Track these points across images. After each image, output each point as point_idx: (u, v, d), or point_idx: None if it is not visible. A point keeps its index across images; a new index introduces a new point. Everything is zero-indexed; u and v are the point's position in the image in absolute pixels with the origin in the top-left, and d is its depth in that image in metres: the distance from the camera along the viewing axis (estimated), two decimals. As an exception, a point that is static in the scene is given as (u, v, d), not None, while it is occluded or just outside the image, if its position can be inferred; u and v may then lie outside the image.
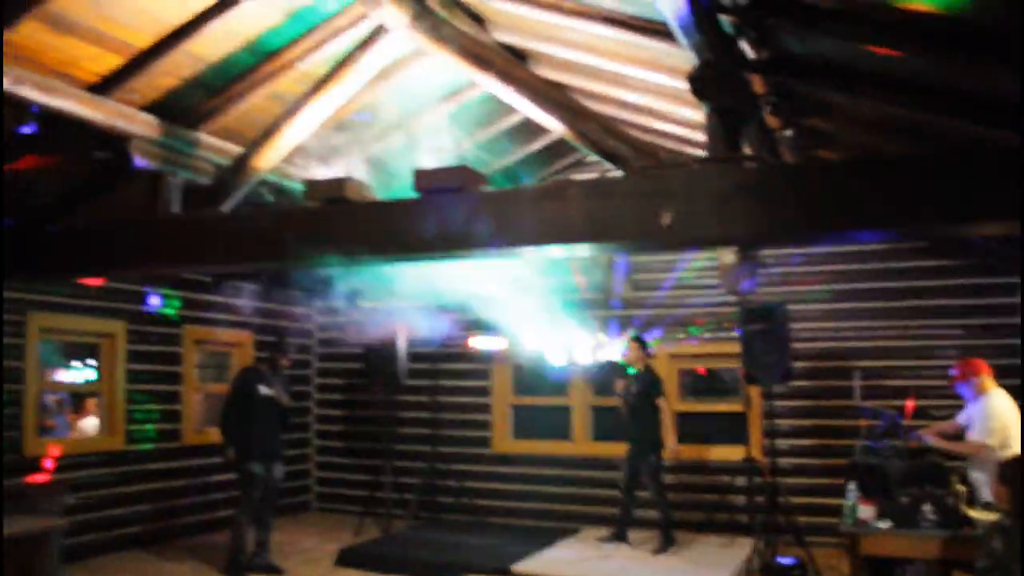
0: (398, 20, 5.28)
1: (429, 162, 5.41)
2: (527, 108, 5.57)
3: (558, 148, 8.47)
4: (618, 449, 8.33)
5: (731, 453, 8.63)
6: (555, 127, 5.39)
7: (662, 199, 4.31)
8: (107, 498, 7.93)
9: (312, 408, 10.71)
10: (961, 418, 6.28)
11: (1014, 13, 2.90)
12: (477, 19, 6.07)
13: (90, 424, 8.82)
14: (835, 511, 6.64)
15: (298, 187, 6.20)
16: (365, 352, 9.47)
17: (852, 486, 5.84)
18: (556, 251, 5.17)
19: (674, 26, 3.94)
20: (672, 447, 8.02)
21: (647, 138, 7.72)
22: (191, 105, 6.03)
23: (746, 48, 4.15)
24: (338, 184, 5.31)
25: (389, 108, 6.55)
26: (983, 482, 5.83)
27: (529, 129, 7.69)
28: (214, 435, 8.02)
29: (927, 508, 5.33)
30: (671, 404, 8.93)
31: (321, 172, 5.81)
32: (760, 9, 3.78)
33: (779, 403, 8.47)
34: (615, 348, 8.57)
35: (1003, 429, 5.84)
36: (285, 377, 7.58)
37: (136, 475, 8.26)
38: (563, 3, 5.29)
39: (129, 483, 8.17)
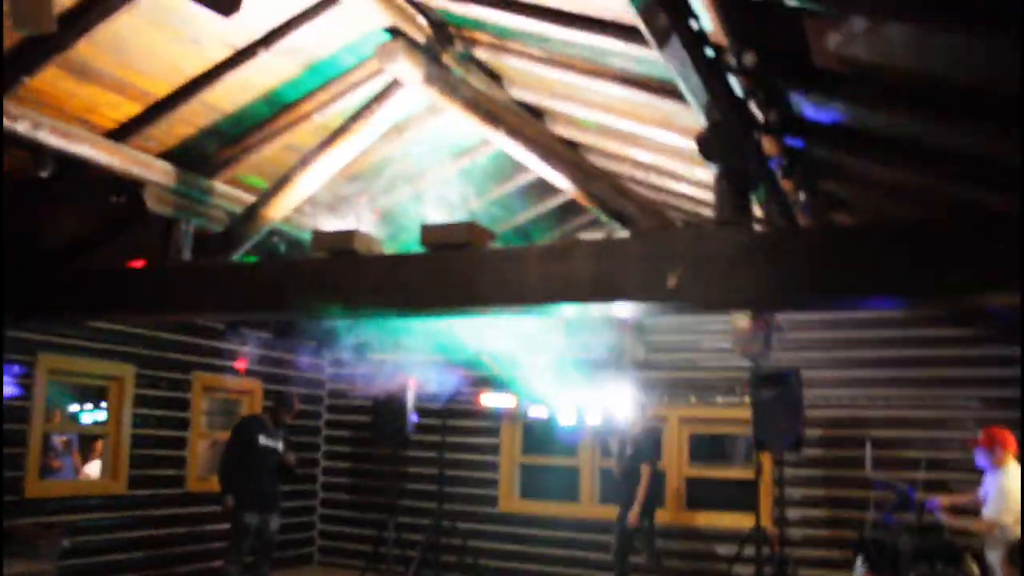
0: (413, 75, 5.34)
1: (440, 217, 5.42)
2: (537, 166, 5.59)
3: (571, 207, 8.48)
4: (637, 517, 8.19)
5: (740, 521, 8.45)
6: (565, 185, 5.40)
7: (668, 261, 4.29)
8: (106, 543, 7.85)
9: (319, 459, 10.63)
10: (980, 492, 6.12)
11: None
12: (494, 76, 6.12)
13: (96, 467, 8.79)
14: (844, 585, 6.47)
15: (308, 237, 6.20)
16: (373, 405, 9.41)
17: (860, 561, 5.70)
18: (561, 310, 5.15)
19: (682, 87, 3.95)
20: (633, 513, 7.93)
21: (660, 198, 7.74)
22: (206, 154, 6.10)
23: (755, 110, 4.14)
24: (346, 236, 5.33)
25: (401, 162, 6.59)
26: (999, 562, 5.66)
27: (542, 188, 7.71)
28: (216, 483, 7.94)
29: (938, 587, 5.18)
30: (680, 470, 8.83)
31: (331, 223, 5.82)
32: (769, 71, 3.78)
33: (790, 471, 8.33)
34: (621, 409, 8.46)
35: (1017, 506, 5.68)
36: (286, 431, 7.52)
37: (137, 520, 8.19)
38: (577, 62, 5.32)
39: (129, 528, 8.10)
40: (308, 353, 10.42)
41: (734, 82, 4.03)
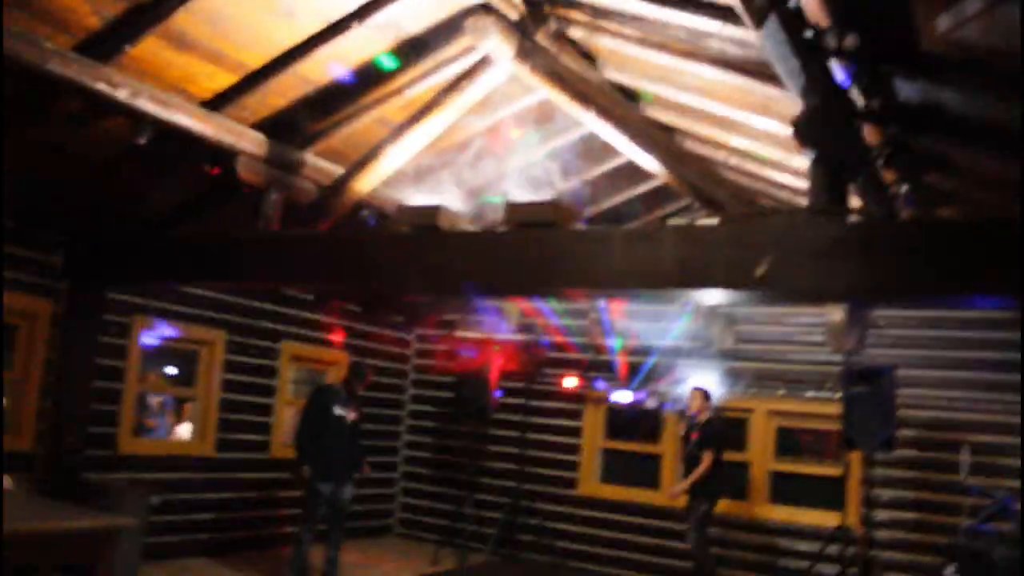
0: (503, 52, 5.28)
1: (525, 197, 5.35)
2: (627, 148, 5.47)
3: (661, 194, 8.29)
4: (682, 496, 8.05)
5: (824, 519, 8.20)
6: (655, 168, 5.28)
7: (757, 248, 4.15)
8: (192, 502, 8.08)
9: (402, 433, 10.74)
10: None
11: None
12: (587, 56, 6.01)
13: (187, 429, 9.05)
14: (932, 593, 6.20)
15: (394, 211, 6.22)
16: (457, 381, 9.45)
17: (951, 570, 5.45)
18: (645, 294, 5.05)
19: (779, 69, 3.78)
20: (677, 490, 7.93)
21: (756, 187, 7.50)
22: (298, 125, 6.15)
23: (856, 95, 3.94)
24: (431, 211, 5.32)
25: (489, 139, 6.54)
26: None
27: (632, 172, 7.55)
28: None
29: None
30: (766, 463, 8.64)
31: (417, 198, 5.82)
32: (872, 55, 3.59)
33: (880, 471, 8.03)
34: (705, 397, 8.28)
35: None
36: (359, 401, 7.59)
37: (222, 483, 8.40)
38: (672, 43, 5.17)
39: (215, 490, 8.32)
40: (394, 328, 10.53)
41: (835, 66, 3.84)
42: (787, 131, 5.39)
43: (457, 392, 9.41)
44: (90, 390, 7.08)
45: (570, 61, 5.80)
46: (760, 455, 8.87)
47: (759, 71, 4.79)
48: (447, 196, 5.88)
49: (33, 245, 6.85)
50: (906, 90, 3.93)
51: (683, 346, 9.04)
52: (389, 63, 5.67)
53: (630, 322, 9.07)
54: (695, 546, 7.82)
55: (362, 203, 6.45)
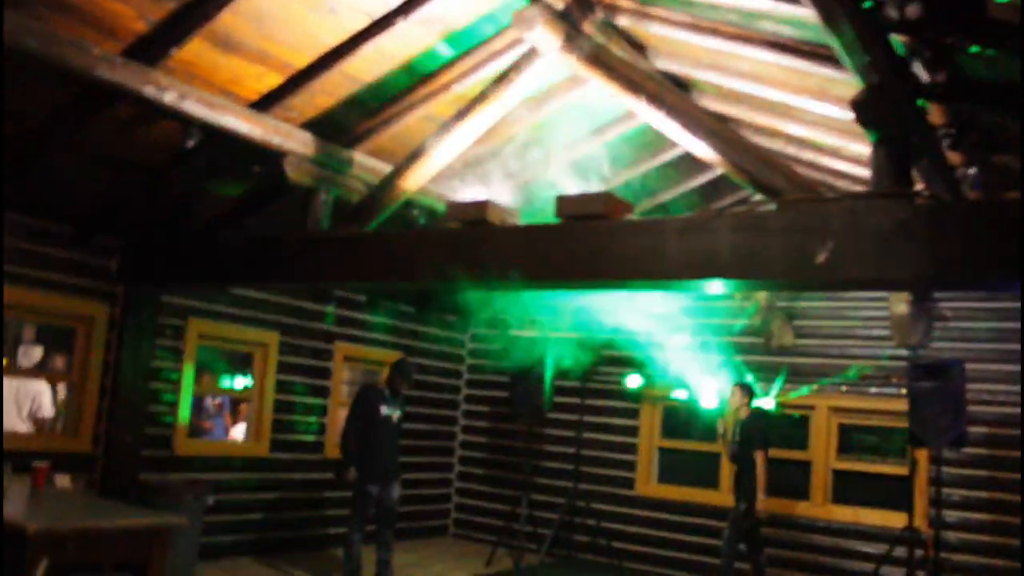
0: (550, 43, 5.17)
1: (577, 190, 5.24)
2: (681, 136, 5.32)
3: (717, 186, 8.12)
4: (769, 504, 7.81)
5: (889, 520, 7.94)
6: (709, 155, 5.12)
7: (817, 235, 3.98)
8: (247, 502, 8.12)
9: (457, 433, 10.69)
10: None
11: None
12: (636, 45, 5.88)
13: (241, 430, 9.11)
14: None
15: (443, 208, 6.16)
16: (511, 381, 9.36)
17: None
18: (699, 286, 4.90)
19: (837, 46, 3.62)
20: (761, 502, 7.58)
21: (814, 175, 7.29)
22: (346, 124, 6.12)
23: (920, 71, 3.76)
24: (480, 207, 5.25)
25: (539, 133, 6.44)
26: None
27: (687, 165, 7.40)
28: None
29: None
30: (828, 462, 8.41)
31: (466, 194, 5.75)
32: (935, 26, 3.40)
33: (949, 470, 7.75)
34: (770, 395, 8.09)
35: None
36: (404, 400, 7.54)
37: (277, 483, 8.43)
38: (723, 27, 5.02)
39: (270, 489, 8.35)
40: (448, 327, 10.49)
41: (896, 41, 3.66)
42: (845, 116, 5.21)
43: (511, 391, 9.32)
44: (146, 392, 7.15)
45: (618, 50, 5.67)
46: (822, 453, 8.62)
47: (815, 52, 4.63)
48: (496, 191, 5.80)
49: (89, 249, 6.94)
50: (974, 64, 3.73)
51: (741, 341, 8.84)
52: (435, 58, 5.61)
53: (686, 317, 8.88)
54: (725, 549, 7.67)
55: (411, 200, 6.39)
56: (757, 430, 7.72)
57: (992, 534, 7.64)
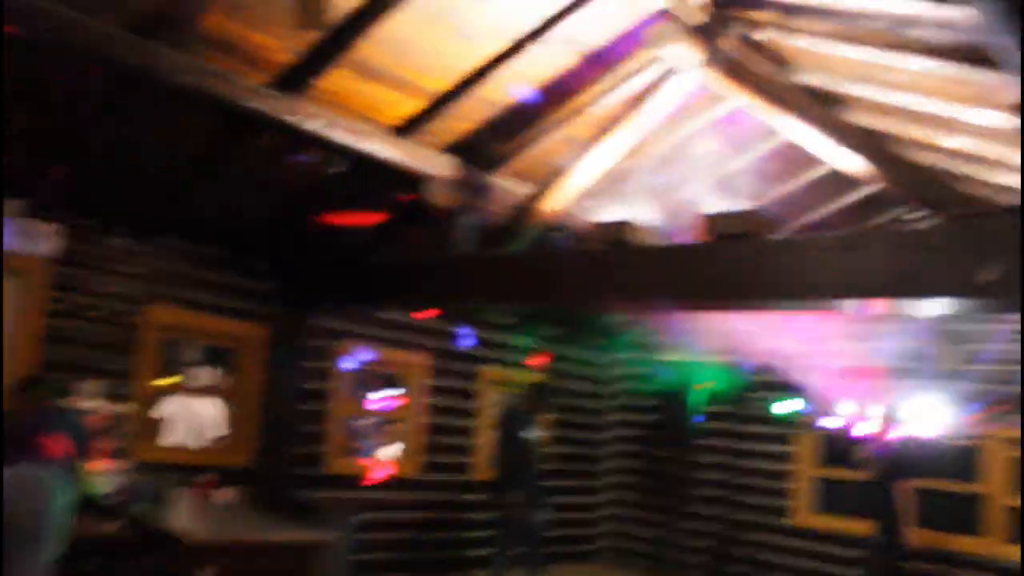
0: (688, 59, 5.09)
1: (721, 209, 5.10)
2: (829, 152, 5.12)
3: (870, 204, 7.69)
4: (940, 539, 7.33)
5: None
6: (861, 170, 4.90)
7: (982, 252, 3.72)
8: (396, 521, 8.28)
9: (607, 457, 10.57)
10: None
11: None
12: (778, 60, 5.69)
13: (392, 450, 9.32)
14: None
15: (583, 228, 6.13)
16: (659, 405, 9.20)
17: None
18: (851, 307, 4.66)
19: (998, 48, 3.37)
20: (906, 532, 7.23)
21: (974, 191, 6.82)
22: (486, 148, 6.20)
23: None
24: (620, 227, 5.21)
25: (681, 151, 6.32)
26: None
27: (836, 183, 7.06)
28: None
29: None
30: (1001, 496, 7.81)
31: (606, 214, 5.70)
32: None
33: None
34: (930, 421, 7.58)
35: None
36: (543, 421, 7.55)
37: (426, 503, 8.57)
38: (871, 36, 4.77)
39: (419, 509, 8.49)
40: (595, 350, 10.41)
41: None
42: (1008, 123, 4.86)
43: (659, 415, 9.16)
44: (299, 411, 7.44)
45: (759, 65, 5.50)
46: (995, 487, 8.00)
47: (973, 56, 4.32)
48: (637, 210, 5.73)
49: (245, 273, 7.29)
50: None
51: (903, 366, 8.34)
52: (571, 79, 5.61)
53: (841, 341, 8.47)
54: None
55: (551, 222, 6.40)
56: (900, 458, 7.29)
57: None
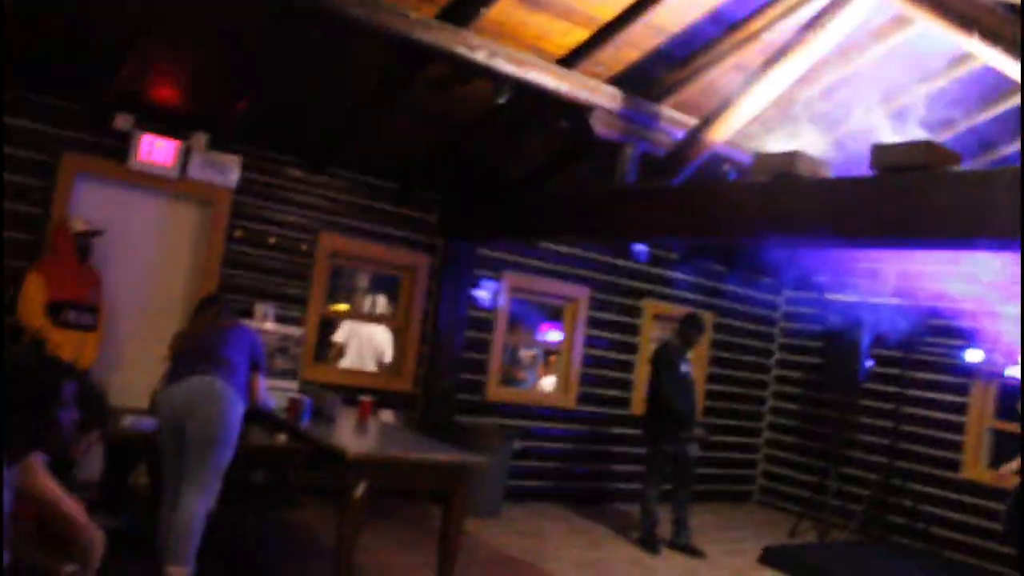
0: (871, -21, 4.76)
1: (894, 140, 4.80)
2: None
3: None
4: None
5: None
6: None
7: None
8: (552, 451, 8.43)
9: (767, 398, 10.35)
10: None
11: None
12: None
13: (550, 381, 9.46)
14: None
15: (750, 160, 5.92)
16: (825, 346, 8.88)
17: None
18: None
19: None
20: (1005, 469, 6.78)
21: None
22: (653, 77, 6.07)
23: None
24: (788, 159, 4.99)
25: (857, 80, 5.96)
26: None
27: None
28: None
29: None
30: None
31: (775, 145, 5.48)
32: None
33: None
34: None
35: None
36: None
37: (582, 435, 8.67)
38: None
39: (574, 441, 8.61)
40: (762, 288, 10.14)
41: None
42: None
43: (824, 358, 8.84)
44: (462, 340, 7.63)
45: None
46: None
47: None
48: (808, 142, 5.48)
49: (412, 204, 7.48)
50: None
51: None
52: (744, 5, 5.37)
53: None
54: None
55: (718, 154, 6.22)
56: None
57: None
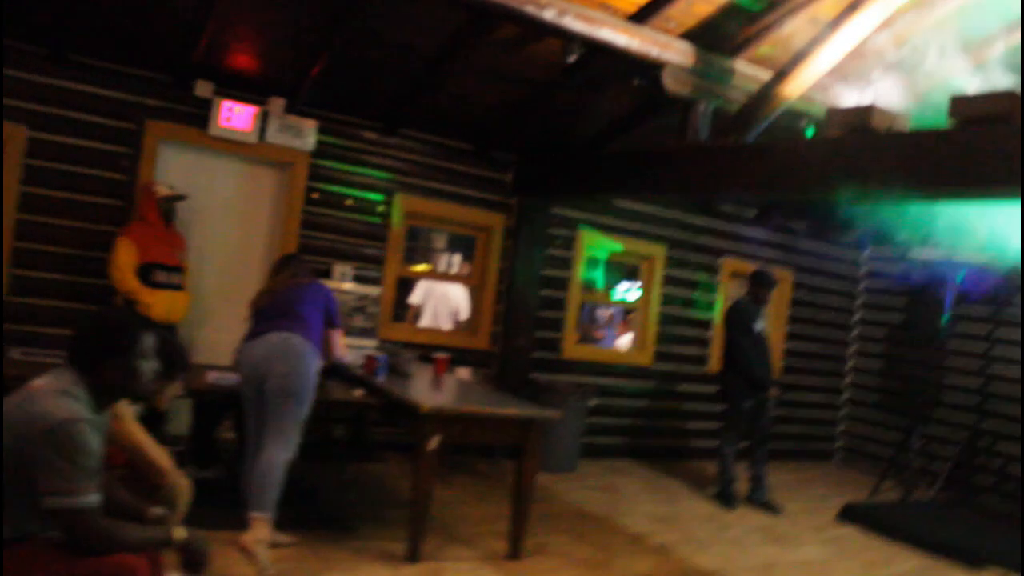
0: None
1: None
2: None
3: None
4: None
5: None
6: None
7: None
8: (627, 408, 8.48)
9: (848, 357, 10.18)
10: None
11: None
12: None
13: (627, 339, 9.49)
14: None
15: (824, 115, 5.80)
16: (908, 304, 8.68)
17: None
18: None
19: None
20: None
21: None
22: (726, 32, 5.96)
23: None
24: (863, 112, 4.89)
25: (936, 30, 5.76)
26: None
27: None
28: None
29: None
30: None
31: (849, 99, 5.35)
32: None
33: None
34: None
35: None
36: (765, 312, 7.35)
37: (657, 392, 8.69)
38: None
39: (650, 398, 8.64)
40: (841, 245, 9.95)
41: None
42: None
43: (908, 315, 8.65)
44: (537, 298, 7.70)
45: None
46: None
47: None
48: (884, 95, 5.34)
49: (486, 164, 7.55)
50: None
51: None
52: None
53: None
54: None
55: (791, 109, 6.10)
56: None
57: None
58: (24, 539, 2.45)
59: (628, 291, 10.58)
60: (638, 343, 8.76)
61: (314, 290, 4.92)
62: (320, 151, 6.82)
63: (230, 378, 4.99)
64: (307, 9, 5.67)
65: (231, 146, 6.49)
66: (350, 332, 5.67)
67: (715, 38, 5.98)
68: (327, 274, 6.82)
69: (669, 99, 6.07)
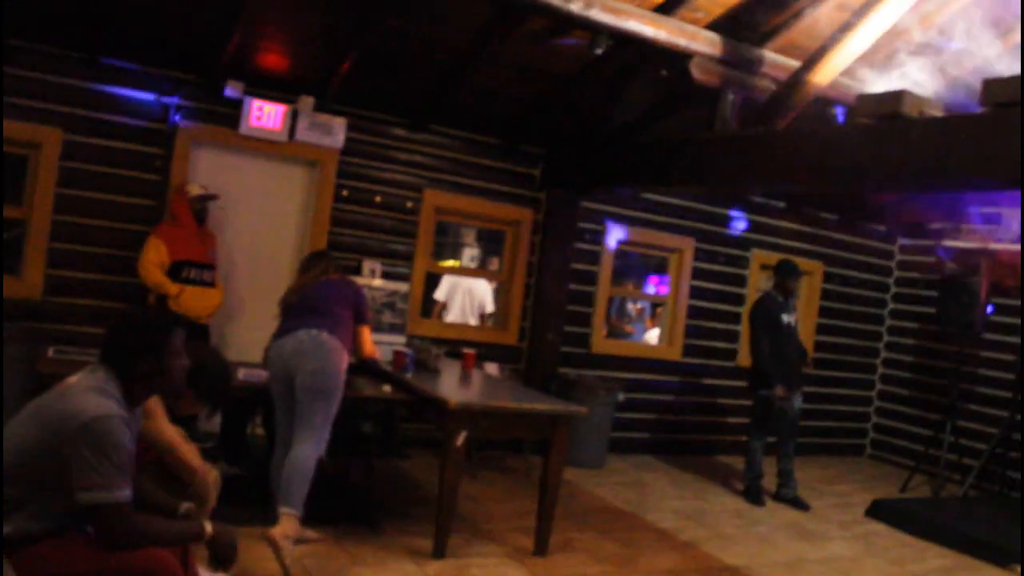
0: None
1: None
2: None
3: None
4: None
5: None
6: None
7: None
8: (656, 402, 8.45)
9: (880, 349, 10.06)
10: None
11: None
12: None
13: (655, 333, 9.44)
14: None
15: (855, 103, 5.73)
16: (941, 296, 8.56)
17: None
18: None
19: None
20: None
21: None
22: (753, 21, 5.90)
23: None
24: (893, 98, 4.81)
25: (969, 14, 5.66)
26: None
27: None
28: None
29: None
30: None
31: (880, 86, 5.28)
32: None
33: None
34: None
35: None
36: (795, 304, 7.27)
37: (687, 386, 8.64)
38: None
39: (679, 393, 8.59)
40: (873, 236, 9.83)
41: None
42: None
43: (941, 307, 8.52)
44: (566, 293, 7.68)
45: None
46: None
47: None
48: (915, 81, 5.27)
49: (514, 158, 7.54)
50: None
51: None
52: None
53: None
54: None
55: (821, 97, 6.04)
56: None
57: None
58: (58, 533, 2.49)
59: (656, 283, 10.53)
60: (667, 337, 8.71)
61: (343, 286, 4.95)
62: (349, 148, 6.84)
63: (260, 375, 5.02)
64: (335, 7, 5.70)
65: (261, 145, 6.53)
66: (379, 329, 5.69)
67: (742, 27, 5.93)
68: (356, 271, 6.86)
69: (697, 90, 6.04)
